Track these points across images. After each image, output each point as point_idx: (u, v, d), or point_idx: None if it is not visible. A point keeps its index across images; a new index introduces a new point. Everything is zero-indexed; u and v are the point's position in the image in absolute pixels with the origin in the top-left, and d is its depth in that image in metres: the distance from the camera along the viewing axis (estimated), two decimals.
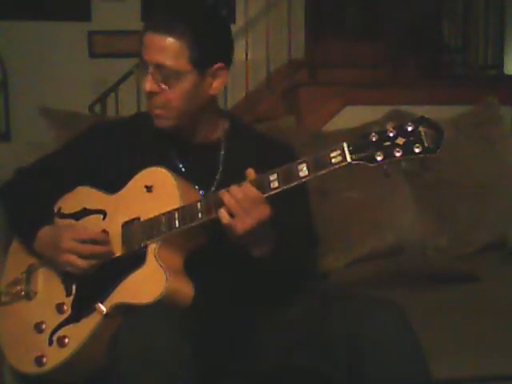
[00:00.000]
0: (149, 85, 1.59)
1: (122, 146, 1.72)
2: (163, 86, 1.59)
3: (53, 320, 1.60)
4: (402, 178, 2.56)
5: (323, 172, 1.41)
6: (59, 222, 1.70)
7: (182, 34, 1.56)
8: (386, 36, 4.79)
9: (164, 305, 1.45)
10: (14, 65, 4.74)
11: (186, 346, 1.40)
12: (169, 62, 1.57)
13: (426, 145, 1.34)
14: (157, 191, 1.59)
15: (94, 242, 1.60)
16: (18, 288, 1.71)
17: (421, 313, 1.83)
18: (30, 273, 1.71)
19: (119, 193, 1.66)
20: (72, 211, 1.71)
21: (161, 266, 1.50)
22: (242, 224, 1.44)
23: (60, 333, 1.58)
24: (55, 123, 2.32)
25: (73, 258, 1.59)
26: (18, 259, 1.76)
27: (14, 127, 4.75)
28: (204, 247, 1.57)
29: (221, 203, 1.46)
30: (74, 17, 4.87)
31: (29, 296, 1.69)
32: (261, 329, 1.64)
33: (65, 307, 1.61)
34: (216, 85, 1.63)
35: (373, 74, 4.15)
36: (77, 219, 1.70)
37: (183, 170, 1.68)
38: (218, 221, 1.48)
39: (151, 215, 1.56)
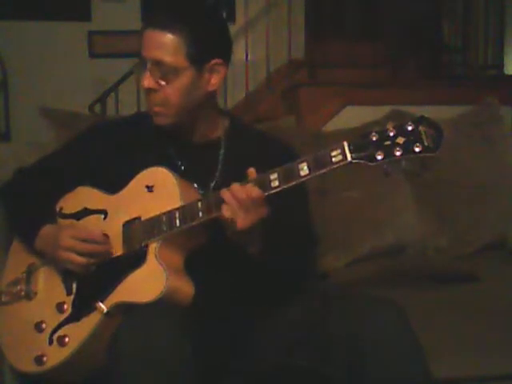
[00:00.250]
0: (147, 81, 1.59)
1: (122, 145, 1.72)
2: (161, 83, 1.59)
3: (53, 319, 1.61)
4: (402, 177, 2.56)
5: (324, 171, 1.41)
6: (60, 221, 1.70)
7: (179, 30, 1.57)
8: (385, 36, 4.79)
9: (164, 304, 1.45)
10: (13, 65, 4.74)
11: (186, 345, 1.40)
12: (167, 58, 1.57)
13: (426, 144, 1.34)
14: (157, 191, 1.59)
15: (94, 241, 1.60)
16: (18, 288, 1.71)
17: (421, 313, 1.83)
18: (30, 272, 1.72)
19: (120, 193, 1.66)
20: (73, 211, 1.72)
21: (161, 265, 1.50)
22: (243, 221, 1.44)
23: (60, 332, 1.58)
24: (55, 123, 2.33)
25: (73, 256, 1.59)
26: (18, 259, 1.76)
27: (14, 127, 4.75)
28: (204, 247, 1.57)
29: (222, 202, 1.46)
30: (74, 17, 4.86)
31: (29, 296, 1.69)
32: (261, 329, 1.64)
33: (65, 306, 1.61)
34: (214, 81, 1.63)
35: (373, 74, 4.14)
36: (78, 219, 1.70)
37: (183, 168, 1.68)
38: (218, 220, 1.48)
39: (152, 215, 1.56)
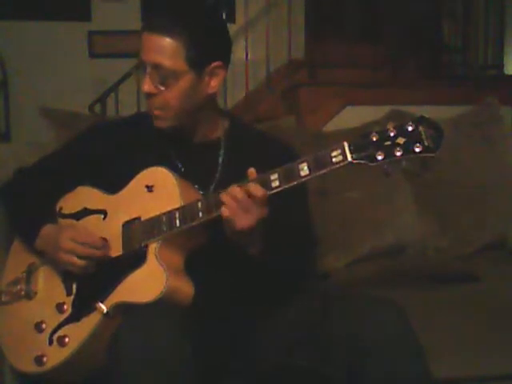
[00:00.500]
0: (147, 86, 1.59)
1: (122, 145, 1.72)
2: (161, 87, 1.59)
3: (53, 319, 1.61)
4: (402, 177, 2.56)
5: (324, 171, 1.41)
6: (60, 221, 1.70)
7: (178, 34, 1.56)
8: (385, 36, 4.79)
9: (164, 304, 1.45)
10: (14, 65, 4.74)
11: (186, 345, 1.40)
12: (166, 62, 1.56)
13: (427, 144, 1.34)
14: (157, 191, 1.59)
15: (93, 246, 1.60)
16: (18, 287, 1.71)
17: (421, 313, 1.83)
18: (30, 272, 1.72)
19: (120, 193, 1.66)
20: (73, 211, 1.72)
21: (161, 265, 1.50)
22: (242, 222, 1.44)
23: (60, 332, 1.58)
24: (55, 123, 2.32)
25: (72, 259, 1.59)
26: (18, 259, 1.76)
27: (14, 127, 4.75)
28: (204, 247, 1.57)
29: (221, 202, 1.46)
30: (74, 17, 4.86)
31: (29, 295, 1.69)
32: (261, 329, 1.64)
33: (65, 307, 1.61)
34: (214, 83, 1.63)
35: (373, 74, 4.15)
36: (77, 219, 1.70)
37: (183, 169, 1.68)
38: (218, 220, 1.48)
39: (152, 215, 1.56)
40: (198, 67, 1.59)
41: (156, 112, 1.63)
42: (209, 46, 1.60)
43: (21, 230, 1.76)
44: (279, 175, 1.44)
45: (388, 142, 1.36)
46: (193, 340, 1.42)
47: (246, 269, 1.56)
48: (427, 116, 1.38)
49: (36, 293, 1.69)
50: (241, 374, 1.64)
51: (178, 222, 1.52)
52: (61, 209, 1.73)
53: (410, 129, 1.36)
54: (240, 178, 1.47)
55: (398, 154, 1.35)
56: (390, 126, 1.37)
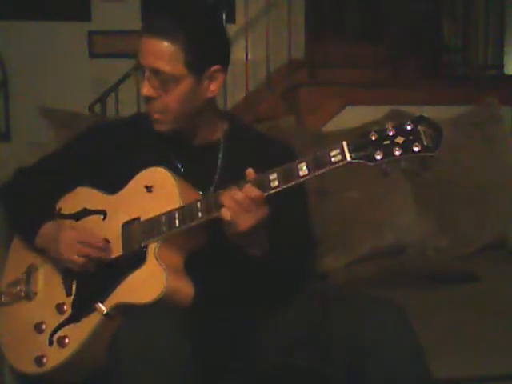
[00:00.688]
0: (146, 90, 1.59)
1: (121, 146, 1.72)
2: (160, 91, 1.58)
3: (53, 320, 1.60)
4: (401, 177, 2.56)
5: (323, 171, 1.40)
6: (58, 220, 1.70)
7: (176, 38, 1.55)
8: (385, 36, 4.79)
9: (164, 304, 1.45)
10: (13, 65, 4.74)
11: (186, 345, 1.40)
12: (164, 66, 1.56)
13: (425, 144, 1.34)
14: (157, 191, 1.59)
15: (94, 246, 1.60)
16: (18, 288, 1.71)
17: (421, 313, 1.83)
18: (30, 273, 1.72)
19: (119, 193, 1.66)
20: (72, 211, 1.72)
21: (161, 265, 1.50)
22: (243, 223, 1.44)
23: (60, 333, 1.58)
24: (55, 123, 2.32)
25: (73, 257, 1.59)
26: (18, 259, 1.76)
27: (14, 127, 4.75)
28: (204, 247, 1.57)
29: (221, 203, 1.46)
30: (74, 17, 4.86)
31: (29, 296, 1.69)
32: (261, 329, 1.64)
33: (65, 307, 1.61)
34: (213, 87, 1.63)
35: (373, 74, 4.14)
36: (77, 219, 1.70)
37: (182, 170, 1.68)
38: (218, 220, 1.48)
39: (151, 215, 1.56)
40: (197, 71, 1.59)
41: (155, 115, 1.63)
42: (208, 50, 1.60)
43: (21, 229, 1.76)
44: (278, 175, 1.43)
45: (387, 142, 1.36)
46: (193, 340, 1.42)
47: (246, 269, 1.56)
48: (427, 116, 1.38)
49: (36, 293, 1.69)
50: (241, 374, 1.64)
51: (177, 222, 1.52)
52: (60, 209, 1.73)
53: (408, 128, 1.36)
54: (239, 179, 1.47)
55: (397, 153, 1.35)
56: (389, 126, 1.37)
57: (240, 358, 1.63)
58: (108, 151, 1.72)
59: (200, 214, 1.50)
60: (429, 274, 2.42)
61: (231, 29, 4.53)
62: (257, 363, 1.62)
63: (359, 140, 1.38)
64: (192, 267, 1.55)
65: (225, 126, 1.74)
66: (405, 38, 4.79)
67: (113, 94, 4.29)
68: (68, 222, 1.70)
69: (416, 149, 1.34)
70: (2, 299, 1.73)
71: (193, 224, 1.51)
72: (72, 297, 1.62)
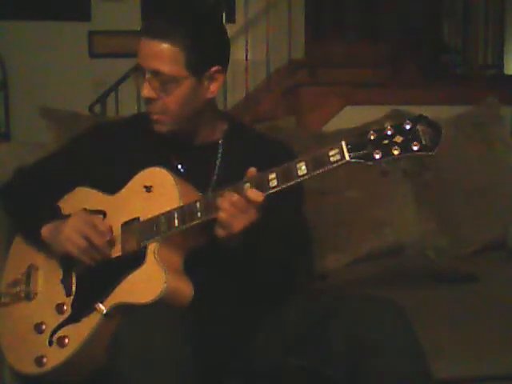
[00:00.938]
0: (146, 91, 1.59)
1: (121, 146, 1.72)
2: (161, 93, 1.58)
3: (53, 320, 1.60)
4: (401, 177, 2.56)
5: (322, 171, 1.40)
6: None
7: (177, 40, 1.55)
8: (386, 36, 4.80)
9: (164, 304, 1.45)
10: (14, 65, 4.74)
11: (186, 345, 1.40)
12: (165, 68, 1.56)
13: (424, 143, 1.34)
14: (156, 191, 1.59)
15: (100, 232, 1.59)
16: (18, 289, 1.71)
17: (421, 313, 1.83)
18: (29, 273, 1.72)
19: (119, 193, 1.66)
20: (72, 212, 1.71)
21: (160, 265, 1.50)
22: (238, 223, 1.44)
23: (60, 333, 1.58)
24: (55, 123, 2.32)
25: (74, 235, 1.58)
26: (18, 260, 1.76)
27: (14, 127, 4.76)
28: (203, 247, 1.57)
29: (217, 206, 1.46)
30: (74, 17, 4.87)
31: (29, 297, 1.69)
32: (261, 329, 1.64)
33: (65, 307, 1.61)
34: (213, 88, 1.63)
35: (373, 74, 4.15)
36: None
37: (182, 170, 1.69)
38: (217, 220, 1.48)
39: (151, 215, 1.56)
40: (197, 72, 1.59)
41: (156, 117, 1.63)
42: (208, 51, 1.60)
43: (23, 228, 1.75)
44: (277, 175, 1.43)
45: (386, 141, 1.36)
46: (193, 340, 1.42)
47: (245, 268, 1.56)
48: (426, 115, 1.38)
49: (36, 294, 1.69)
50: (241, 374, 1.64)
51: (176, 222, 1.52)
52: (60, 209, 1.73)
53: (407, 127, 1.36)
54: (238, 179, 1.47)
55: (396, 152, 1.35)
56: (388, 125, 1.37)
57: (240, 358, 1.63)
58: (108, 151, 1.72)
59: (199, 214, 1.50)
60: (429, 274, 2.42)
61: (231, 29, 4.52)
62: (257, 363, 1.62)
63: (358, 139, 1.38)
64: (191, 267, 1.55)
65: (224, 126, 1.74)
66: (405, 38, 4.79)
67: (113, 94, 4.30)
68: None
69: (415, 148, 1.34)
70: (2, 300, 1.73)
71: (192, 224, 1.51)
72: (72, 297, 1.62)
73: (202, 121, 1.68)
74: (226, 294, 1.63)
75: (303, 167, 1.41)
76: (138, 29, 1.66)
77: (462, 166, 2.71)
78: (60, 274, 1.66)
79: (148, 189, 1.60)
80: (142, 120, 1.73)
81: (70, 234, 1.59)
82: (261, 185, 1.44)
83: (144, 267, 1.52)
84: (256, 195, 1.43)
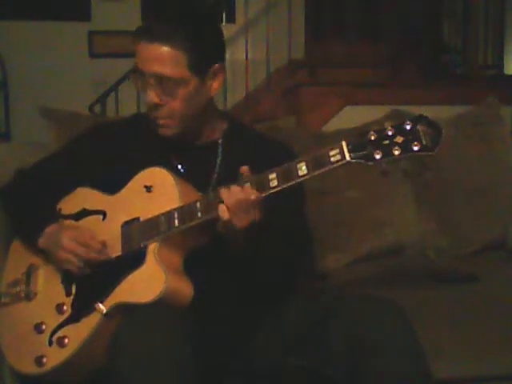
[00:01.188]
0: (152, 97, 1.58)
1: (121, 146, 1.72)
2: (166, 97, 1.58)
3: (53, 320, 1.60)
4: (402, 177, 2.56)
5: (322, 171, 1.40)
6: (60, 221, 1.70)
7: (177, 42, 1.54)
8: (386, 36, 4.80)
9: (164, 304, 1.45)
10: (14, 65, 4.74)
11: (186, 345, 1.40)
12: (168, 71, 1.55)
13: (425, 143, 1.34)
14: (156, 191, 1.59)
15: (88, 247, 1.59)
16: (18, 289, 1.71)
17: (421, 313, 1.83)
18: (29, 273, 1.71)
19: (119, 193, 1.66)
20: (72, 212, 1.72)
21: (160, 265, 1.50)
22: (240, 222, 1.44)
23: (60, 333, 1.58)
24: (55, 123, 2.32)
25: (70, 257, 1.59)
26: (18, 260, 1.76)
27: (14, 127, 4.76)
28: (203, 247, 1.57)
29: (220, 200, 1.46)
30: (74, 17, 4.87)
31: (29, 297, 1.69)
32: (261, 329, 1.64)
33: (65, 307, 1.61)
34: (215, 86, 1.63)
35: (373, 74, 4.15)
36: (76, 220, 1.70)
37: (182, 170, 1.69)
38: (217, 220, 1.48)
39: (151, 215, 1.56)
40: (200, 72, 1.59)
41: (162, 121, 1.62)
42: (209, 50, 1.60)
43: (22, 231, 1.75)
44: (277, 175, 1.43)
45: (386, 141, 1.36)
46: (193, 340, 1.42)
47: (245, 268, 1.56)
48: (426, 115, 1.38)
49: (36, 294, 1.69)
50: (241, 374, 1.64)
51: (176, 222, 1.52)
52: (60, 210, 1.73)
53: (408, 128, 1.36)
54: (239, 178, 1.47)
55: (396, 152, 1.35)
56: (388, 125, 1.37)
57: (240, 357, 1.63)
58: (108, 151, 1.72)
59: (199, 214, 1.50)
60: (429, 274, 2.42)
61: (231, 29, 4.54)
62: (257, 363, 1.62)
63: (358, 140, 1.38)
64: (191, 267, 1.55)
65: (224, 125, 1.74)
66: (405, 38, 4.79)
67: (113, 94, 4.30)
68: (68, 222, 1.70)
69: (415, 148, 1.34)
70: (2, 300, 1.73)
71: (192, 224, 1.51)
72: (72, 297, 1.62)
73: (204, 120, 1.68)
74: (225, 293, 1.63)
75: (304, 167, 1.41)
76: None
77: (461, 166, 2.71)
78: (60, 274, 1.66)
79: (148, 189, 1.60)
80: (141, 120, 1.73)
81: (65, 256, 1.60)
82: (261, 185, 1.44)
83: (144, 267, 1.52)
84: (254, 195, 1.43)
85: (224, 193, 1.45)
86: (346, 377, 1.50)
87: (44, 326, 1.61)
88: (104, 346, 1.44)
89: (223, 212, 1.45)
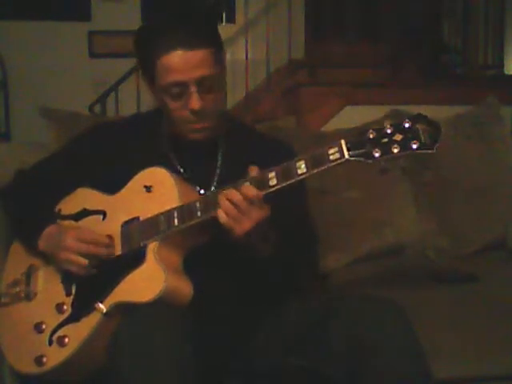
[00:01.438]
0: (199, 103, 1.57)
1: (121, 146, 1.72)
2: (209, 99, 1.58)
3: (53, 320, 1.60)
4: (402, 177, 2.56)
5: (322, 169, 1.40)
6: (60, 223, 1.70)
7: (208, 42, 1.56)
8: (386, 36, 4.80)
9: (163, 304, 1.45)
10: (13, 65, 4.74)
11: (186, 345, 1.40)
12: (208, 71, 1.56)
13: (424, 141, 1.34)
14: (156, 191, 1.59)
15: (98, 243, 1.59)
16: (18, 289, 1.71)
17: (421, 313, 1.83)
18: (29, 273, 1.71)
19: (119, 193, 1.66)
20: (72, 212, 1.72)
21: (160, 264, 1.50)
22: (241, 226, 1.44)
23: (60, 332, 1.58)
24: (55, 123, 2.32)
25: (74, 257, 1.59)
26: (17, 260, 1.76)
27: (14, 127, 4.76)
28: (203, 246, 1.57)
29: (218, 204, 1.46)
30: (74, 17, 4.87)
31: (29, 297, 1.69)
32: (261, 329, 1.64)
33: (65, 307, 1.61)
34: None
35: (373, 74, 4.15)
36: (76, 220, 1.70)
37: (182, 170, 1.69)
38: (217, 220, 1.48)
39: (151, 215, 1.56)
40: (222, 64, 1.61)
41: (205, 124, 1.62)
42: (221, 42, 1.63)
43: (22, 233, 1.75)
44: (277, 173, 1.43)
45: (385, 139, 1.36)
46: (193, 340, 1.42)
47: (246, 268, 1.56)
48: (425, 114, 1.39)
49: (36, 294, 1.69)
50: (241, 374, 1.64)
51: (176, 221, 1.52)
52: (60, 210, 1.73)
53: (407, 126, 1.36)
54: (239, 177, 1.47)
55: (396, 150, 1.35)
56: (387, 124, 1.37)
57: (240, 357, 1.63)
58: (108, 151, 1.72)
59: (199, 214, 1.50)
60: (429, 274, 2.42)
61: (231, 29, 4.54)
62: (257, 363, 1.62)
63: (357, 138, 1.38)
64: (191, 266, 1.55)
65: (224, 125, 1.74)
66: (405, 38, 4.79)
67: (113, 94, 4.30)
68: (67, 222, 1.70)
69: (414, 146, 1.34)
70: (2, 300, 1.73)
71: (192, 223, 1.51)
72: (72, 296, 1.62)
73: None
74: (225, 293, 1.63)
75: (303, 166, 1.41)
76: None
77: (461, 166, 2.71)
78: (60, 274, 1.66)
79: (148, 189, 1.60)
80: (141, 120, 1.73)
81: (69, 257, 1.60)
82: (260, 183, 1.44)
83: (144, 266, 1.52)
84: (253, 192, 1.43)
85: (221, 198, 1.45)
86: (345, 377, 1.50)
87: (44, 326, 1.61)
88: (104, 346, 1.44)
89: (222, 218, 1.44)
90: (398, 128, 1.36)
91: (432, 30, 5.22)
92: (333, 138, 1.41)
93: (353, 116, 3.29)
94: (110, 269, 1.58)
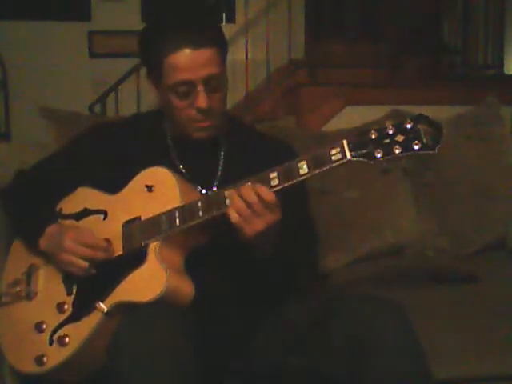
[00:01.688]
0: (206, 102, 1.57)
1: (121, 146, 1.72)
2: (215, 97, 1.59)
3: (53, 319, 1.60)
4: (402, 177, 2.56)
5: (323, 169, 1.40)
6: (60, 222, 1.70)
7: (215, 41, 1.57)
8: (386, 36, 4.80)
9: (164, 304, 1.45)
10: (14, 65, 4.74)
11: (187, 345, 1.40)
12: (216, 70, 1.57)
13: (425, 142, 1.34)
14: (157, 191, 1.59)
15: (94, 247, 1.59)
16: (19, 288, 1.71)
17: (421, 313, 1.83)
18: (30, 273, 1.72)
19: (120, 193, 1.66)
20: (73, 212, 1.72)
21: (161, 264, 1.50)
22: (251, 227, 1.43)
23: (60, 332, 1.58)
24: (55, 123, 2.32)
25: (74, 259, 1.59)
26: (18, 260, 1.76)
27: (14, 127, 4.75)
28: (205, 246, 1.57)
29: (223, 202, 1.46)
30: (74, 17, 4.86)
31: (29, 296, 1.69)
32: (261, 329, 1.64)
33: (65, 306, 1.61)
34: None
35: (373, 74, 4.15)
36: (77, 220, 1.70)
37: (183, 169, 1.69)
38: (218, 220, 1.48)
39: (152, 214, 1.56)
40: (225, 60, 1.62)
41: (211, 122, 1.62)
42: (226, 41, 1.63)
43: (23, 232, 1.75)
44: (278, 174, 1.43)
45: (387, 140, 1.36)
46: (193, 340, 1.42)
47: (247, 268, 1.56)
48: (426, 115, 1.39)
49: (36, 293, 1.69)
50: (241, 374, 1.64)
51: (178, 221, 1.52)
52: (61, 209, 1.73)
53: (408, 126, 1.36)
54: (240, 177, 1.47)
55: (397, 151, 1.36)
56: (389, 124, 1.37)
57: (240, 357, 1.63)
58: (108, 151, 1.72)
59: (201, 213, 1.50)
60: (429, 273, 2.42)
61: (231, 29, 4.53)
62: (257, 363, 1.62)
63: (359, 138, 1.39)
64: (192, 266, 1.55)
65: (225, 125, 1.74)
66: (405, 38, 4.79)
67: (113, 94, 4.29)
68: (68, 222, 1.70)
69: (416, 147, 1.34)
70: (3, 299, 1.73)
71: (193, 223, 1.51)
72: (72, 296, 1.62)
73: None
74: (226, 293, 1.63)
75: (304, 166, 1.41)
76: (138, 29, 1.66)
77: (462, 166, 2.71)
78: (61, 273, 1.66)
79: (149, 188, 1.60)
80: (141, 120, 1.73)
81: (69, 259, 1.60)
82: (262, 184, 1.44)
83: (145, 266, 1.52)
84: (271, 196, 1.41)
85: (233, 197, 1.44)
86: (345, 377, 1.50)
87: (44, 325, 1.61)
88: (105, 345, 1.44)
89: (234, 217, 1.43)
90: (399, 128, 1.36)
91: (432, 30, 5.21)
92: (333, 139, 1.41)
93: (353, 116, 3.29)
94: (111, 268, 1.58)
